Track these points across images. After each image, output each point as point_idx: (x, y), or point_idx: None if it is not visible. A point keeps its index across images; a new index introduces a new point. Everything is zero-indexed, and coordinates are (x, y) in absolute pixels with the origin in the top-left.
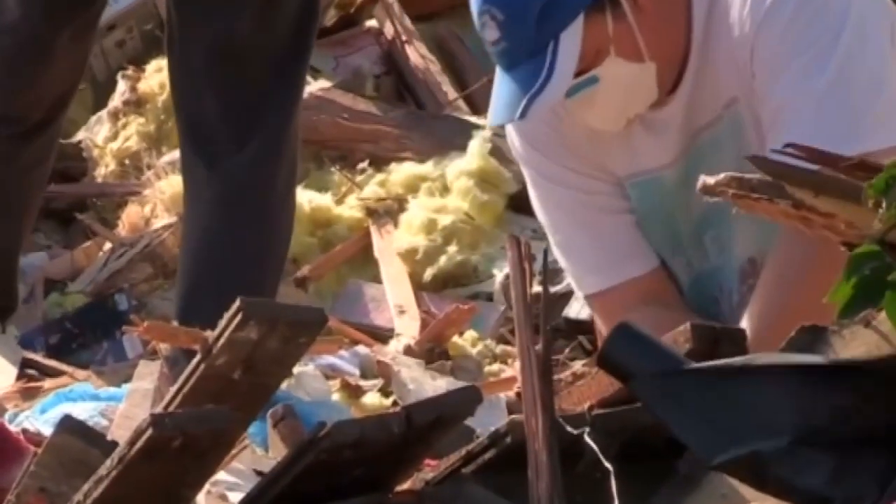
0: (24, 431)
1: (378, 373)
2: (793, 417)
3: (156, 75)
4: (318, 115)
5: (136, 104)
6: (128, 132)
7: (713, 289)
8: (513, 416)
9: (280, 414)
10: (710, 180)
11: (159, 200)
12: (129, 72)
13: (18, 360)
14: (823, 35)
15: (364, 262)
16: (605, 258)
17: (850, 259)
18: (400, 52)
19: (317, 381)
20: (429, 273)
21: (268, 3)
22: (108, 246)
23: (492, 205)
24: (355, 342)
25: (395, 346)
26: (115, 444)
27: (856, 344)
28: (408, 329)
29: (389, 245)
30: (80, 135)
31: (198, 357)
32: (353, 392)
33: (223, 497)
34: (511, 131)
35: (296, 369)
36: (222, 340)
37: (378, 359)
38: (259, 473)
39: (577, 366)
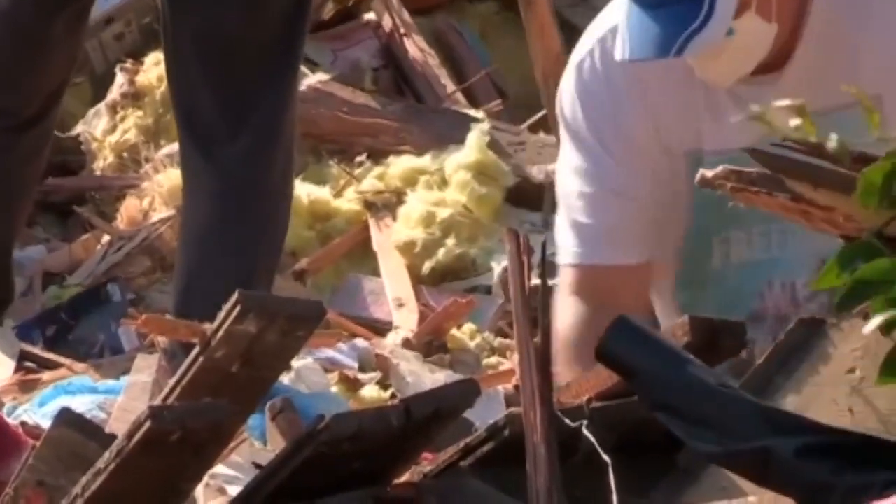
0: (23, 424)
1: (376, 366)
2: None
3: (154, 68)
4: (316, 108)
5: (135, 97)
6: (126, 125)
7: (760, 281)
8: (511, 409)
9: (278, 407)
10: (709, 173)
11: (157, 193)
12: (128, 65)
13: (16, 353)
14: None
15: (362, 255)
16: (603, 234)
17: (843, 252)
18: (398, 45)
19: (315, 374)
20: (427, 266)
21: None
22: (106, 239)
23: (490, 198)
24: (354, 335)
25: (393, 340)
26: (113, 437)
27: (854, 336)
28: (406, 322)
29: (388, 238)
30: (79, 128)
31: (196, 350)
32: (352, 385)
33: (221, 490)
34: (570, 83)
35: (294, 362)
36: (221, 333)
37: (377, 352)
38: (258, 466)
39: None
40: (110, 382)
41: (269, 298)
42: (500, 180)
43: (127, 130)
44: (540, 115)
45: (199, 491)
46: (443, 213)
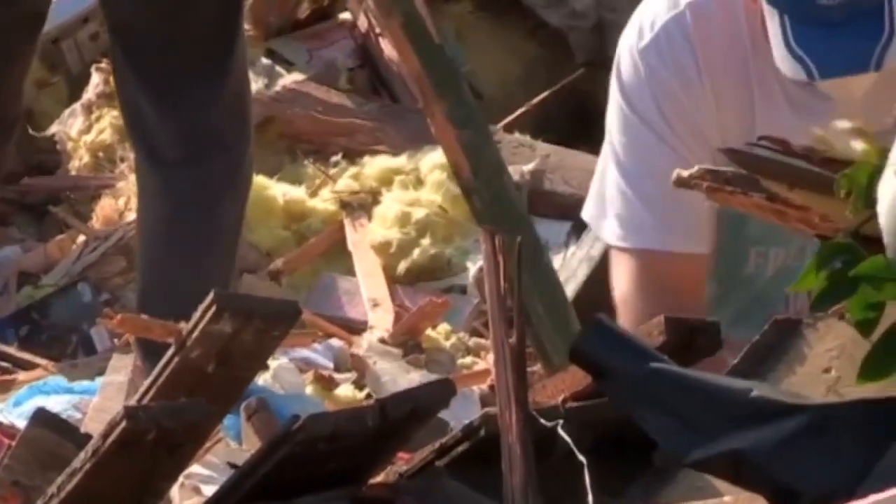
0: None
1: (352, 366)
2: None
3: None
4: (291, 108)
5: (110, 97)
6: (101, 125)
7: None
8: (487, 409)
9: (254, 407)
10: (684, 173)
11: (133, 193)
12: (103, 65)
13: None
14: None
15: (338, 255)
16: (667, 220)
17: (821, 251)
18: (374, 45)
19: (291, 374)
20: (402, 266)
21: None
22: (81, 239)
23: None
24: (329, 335)
25: (368, 340)
26: (89, 436)
27: (830, 337)
28: (381, 322)
29: (363, 238)
30: (54, 128)
31: (172, 350)
32: (327, 384)
33: (197, 489)
34: (634, 69)
35: (270, 362)
36: (196, 333)
37: (352, 352)
38: (233, 466)
39: None
40: (85, 383)
41: (244, 298)
42: None
43: (102, 130)
44: (515, 114)
45: (175, 490)
46: (418, 214)
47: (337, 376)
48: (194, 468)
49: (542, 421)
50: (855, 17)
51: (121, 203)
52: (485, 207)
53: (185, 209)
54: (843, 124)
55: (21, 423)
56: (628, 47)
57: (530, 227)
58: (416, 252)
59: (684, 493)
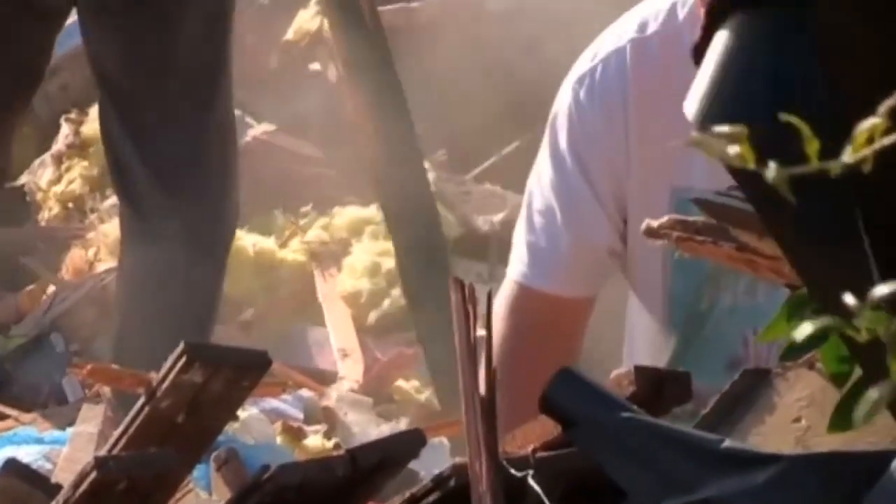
0: None
1: (322, 417)
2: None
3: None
4: (261, 158)
5: (80, 147)
6: (71, 175)
7: (744, 327)
8: (456, 459)
9: (223, 457)
10: (654, 223)
11: (103, 244)
12: (73, 115)
13: None
14: None
15: (308, 305)
16: (560, 262)
17: (791, 300)
18: (344, 95)
19: (261, 424)
20: (372, 316)
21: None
22: (52, 289)
23: None
24: (299, 386)
25: (338, 390)
26: (59, 487)
27: (800, 387)
28: (351, 373)
29: (333, 288)
30: (24, 178)
31: (142, 400)
32: (296, 435)
33: None
34: (566, 98)
35: (240, 413)
36: (166, 383)
37: (323, 404)
38: None
39: None
40: (56, 433)
41: (214, 348)
42: (446, 231)
43: (72, 181)
44: (486, 165)
45: None
46: (388, 264)
47: (307, 427)
48: None
49: (512, 471)
50: None
51: (90, 254)
52: (389, 198)
53: (165, 259)
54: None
55: None
56: (571, 77)
57: (436, 222)
58: (387, 303)
59: None
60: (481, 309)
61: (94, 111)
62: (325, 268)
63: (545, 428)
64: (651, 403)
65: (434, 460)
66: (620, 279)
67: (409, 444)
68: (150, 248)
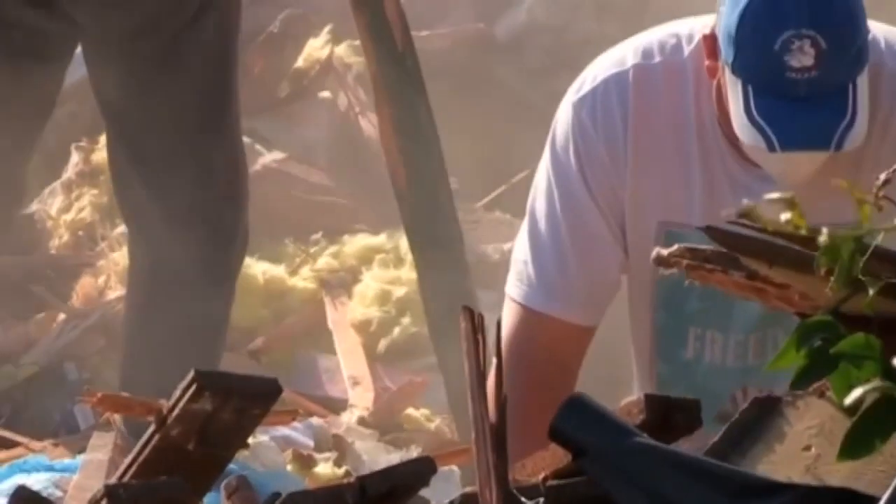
0: None
1: (332, 445)
2: (743, 489)
3: None
4: (271, 186)
5: (90, 175)
6: (81, 203)
7: (732, 386)
8: (466, 489)
9: (234, 485)
10: (664, 252)
11: (113, 272)
12: (83, 143)
13: None
14: None
15: (318, 333)
16: (568, 287)
17: (800, 329)
18: (354, 123)
19: (272, 452)
20: (383, 344)
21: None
22: (62, 317)
23: None
24: (309, 414)
25: (348, 418)
26: None
27: (810, 415)
28: (362, 400)
29: (343, 316)
30: (34, 206)
31: (152, 428)
32: (306, 463)
33: None
34: (567, 117)
35: (250, 441)
36: (177, 411)
37: (333, 432)
38: None
39: None
40: (66, 461)
41: (224, 376)
42: None
43: (82, 209)
44: (495, 193)
45: None
46: (398, 292)
47: (317, 455)
48: None
49: (523, 499)
50: (820, 95)
51: (101, 281)
52: (414, 218)
53: (172, 287)
54: (773, 195)
55: (2, 502)
56: (569, 95)
57: (459, 245)
58: (397, 330)
59: None
60: (491, 338)
61: (103, 139)
62: (335, 296)
63: (556, 456)
64: (660, 431)
65: (445, 489)
66: None
67: (419, 471)
68: (158, 275)
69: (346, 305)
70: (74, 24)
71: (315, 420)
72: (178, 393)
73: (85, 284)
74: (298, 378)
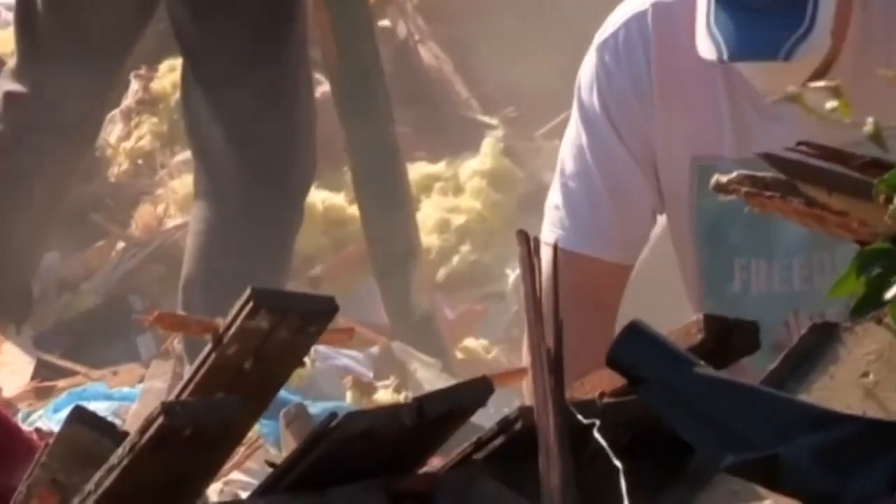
0: (37, 431)
1: (392, 371)
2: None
3: (169, 75)
4: (331, 114)
5: (149, 104)
6: (141, 132)
7: (782, 313)
8: (523, 403)
9: (293, 414)
10: (723, 178)
11: (172, 200)
12: (142, 72)
13: (33, 361)
14: None
15: None
16: (601, 226)
17: (860, 256)
18: (413, 52)
19: (331, 380)
20: (442, 273)
21: None
22: (121, 246)
23: (504, 205)
24: (368, 342)
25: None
26: (126, 434)
27: (868, 341)
28: None
29: None
30: None
31: (208, 347)
32: (365, 390)
33: (236, 497)
34: (591, 62)
35: (309, 368)
36: (233, 330)
37: (394, 354)
38: (271, 465)
39: None
40: (125, 389)
41: (280, 295)
42: (514, 187)
43: (142, 137)
44: (555, 121)
45: (215, 497)
46: (457, 220)
47: (376, 383)
48: (234, 475)
49: (580, 417)
50: (778, 5)
51: (160, 210)
52: (344, 95)
53: (237, 211)
54: (818, 83)
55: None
56: (596, 41)
57: (387, 125)
58: (456, 259)
59: (722, 497)
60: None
61: (163, 67)
62: None
63: (614, 375)
64: (718, 352)
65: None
66: None
67: (477, 393)
68: (222, 200)
69: None
70: None
71: (374, 349)
72: (234, 311)
73: (144, 213)
74: (357, 305)
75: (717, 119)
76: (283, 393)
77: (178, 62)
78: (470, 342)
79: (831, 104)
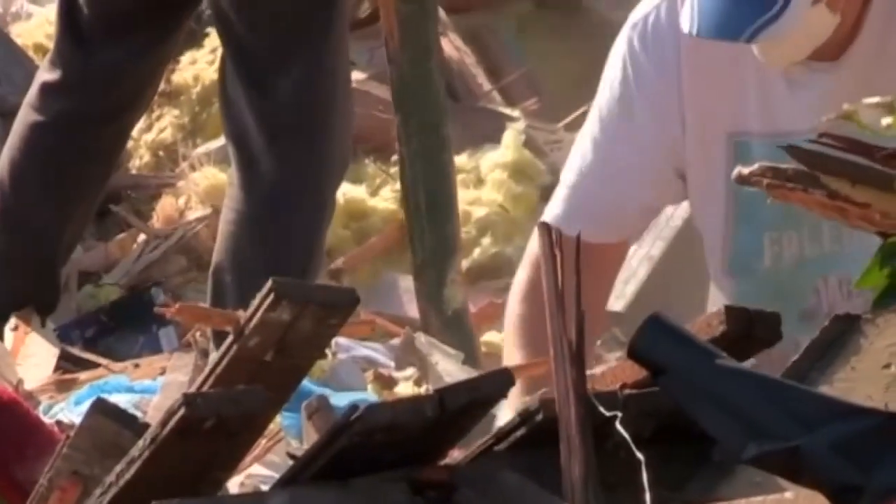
0: (59, 423)
1: (415, 363)
2: (824, 412)
3: (190, 67)
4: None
5: (171, 96)
6: (162, 124)
7: (815, 278)
8: (544, 392)
9: (315, 406)
10: (745, 170)
11: (193, 192)
12: None
13: (56, 353)
14: None
15: (398, 254)
16: (590, 206)
17: (883, 248)
18: None
19: (352, 372)
20: (463, 265)
21: None
22: (142, 238)
23: (526, 197)
24: (390, 334)
25: (429, 340)
26: (147, 425)
27: (890, 332)
28: None
29: None
30: None
31: (230, 338)
32: (387, 383)
33: (258, 490)
34: (621, 44)
35: (331, 360)
36: (254, 321)
37: (415, 350)
38: (292, 457)
39: (611, 359)
40: (147, 382)
41: (302, 286)
42: (536, 179)
43: (163, 129)
44: (577, 113)
45: (236, 490)
46: (479, 212)
47: (397, 375)
48: (255, 468)
49: (602, 409)
50: None
51: (181, 202)
52: (403, 85)
53: (270, 202)
54: (872, 100)
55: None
56: (628, 23)
57: (441, 115)
58: (477, 251)
59: (744, 488)
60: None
61: (185, 59)
62: None
63: (635, 367)
64: (740, 344)
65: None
66: None
67: (498, 384)
68: (257, 190)
69: None
70: None
71: (395, 340)
72: (255, 302)
73: (165, 205)
74: (379, 298)
75: (746, 93)
76: (305, 384)
77: (199, 54)
78: (492, 335)
79: (886, 120)
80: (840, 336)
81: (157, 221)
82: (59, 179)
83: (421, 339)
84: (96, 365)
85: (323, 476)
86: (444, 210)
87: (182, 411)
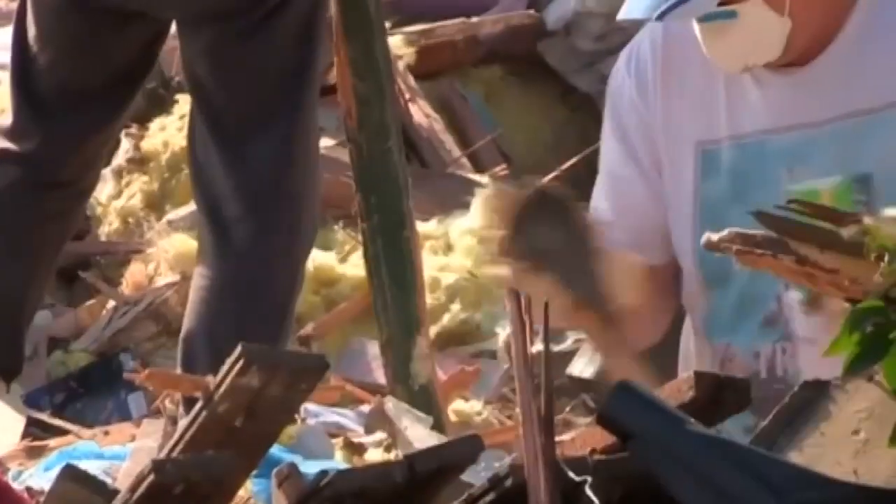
0: (28, 490)
1: (381, 426)
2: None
3: (159, 133)
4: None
5: (140, 162)
6: (131, 190)
7: (775, 283)
8: (514, 456)
9: (285, 473)
10: (714, 237)
11: (163, 259)
12: (133, 130)
13: (23, 419)
14: None
15: (368, 320)
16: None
17: (852, 314)
18: (404, 110)
19: (321, 439)
20: (432, 331)
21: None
22: (111, 304)
23: None
24: (359, 400)
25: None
26: (117, 491)
27: (859, 398)
28: None
29: None
30: None
31: (199, 403)
32: (356, 449)
33: None
34: (614, 76)
35: (299, 426)
36: (224, 387)
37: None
38: None
39: (581, 424)
40: (116, 448)
41: (271, 352)
42: None
43: (132, 196)
44: (547, 179)
45: None
46: (448, 279)
47: (367, 441)
48: None
49: (571, 474)
50: None
51: (150, 268)
52: (362, 162)
53: (240, 269)
54: (891, 212)
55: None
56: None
57: (400, 195)
58: (446, 317)
59: None
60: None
61: (154, 125)
62: None
63: (606, 433)
64: (710, 409)
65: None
66: None
67: (468, 450)
68: (231, 257)
69: None
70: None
71: (364, 406)
72: (225, 368)
73: (134, 271)
74: (348, 364)
75: (716, 104)
76: (275, 451)
77: (168, 121)
78: (460, 404)
79: None
80: (809, 402)
81: (126, 288)
82: (23, 244)
83: (390, 404)
84: (66, 431)
85: None
86: (407, 287)
87: (151, 477)
